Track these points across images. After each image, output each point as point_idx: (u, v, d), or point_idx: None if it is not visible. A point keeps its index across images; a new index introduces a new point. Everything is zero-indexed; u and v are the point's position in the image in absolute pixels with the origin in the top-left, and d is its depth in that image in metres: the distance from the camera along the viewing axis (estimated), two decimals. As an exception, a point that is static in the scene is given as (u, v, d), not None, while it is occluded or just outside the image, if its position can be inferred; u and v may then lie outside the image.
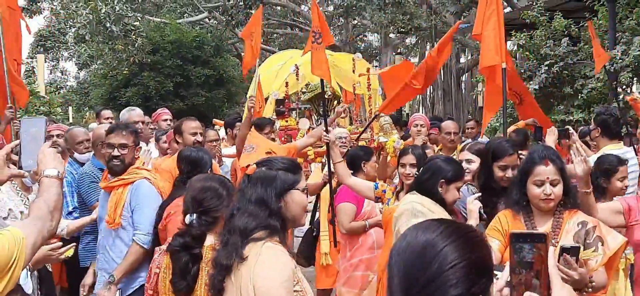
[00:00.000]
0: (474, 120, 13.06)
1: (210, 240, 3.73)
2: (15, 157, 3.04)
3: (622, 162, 5.26)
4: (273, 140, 7.58)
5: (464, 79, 29.36)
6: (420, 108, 32.07)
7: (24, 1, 25.77)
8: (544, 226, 3.84)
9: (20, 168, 3.00)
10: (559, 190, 3.81)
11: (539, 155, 3.94)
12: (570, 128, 5.96)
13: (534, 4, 12.74)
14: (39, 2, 26.53)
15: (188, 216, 3.79)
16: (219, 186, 3.92)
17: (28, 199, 4.60)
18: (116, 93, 22.29)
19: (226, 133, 9.53)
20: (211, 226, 3.77)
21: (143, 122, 6.95)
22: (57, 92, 32.44)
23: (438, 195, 4.34)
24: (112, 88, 22.75)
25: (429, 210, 4.24)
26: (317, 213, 7.01)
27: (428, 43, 28.05)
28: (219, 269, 2.96)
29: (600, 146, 6.40)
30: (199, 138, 6.29)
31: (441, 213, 4.27)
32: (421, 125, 7.57)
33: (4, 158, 2.91)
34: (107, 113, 8.73)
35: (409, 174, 5.22)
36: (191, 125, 6.34)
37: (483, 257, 1.71)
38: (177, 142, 6.27)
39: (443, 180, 4.34)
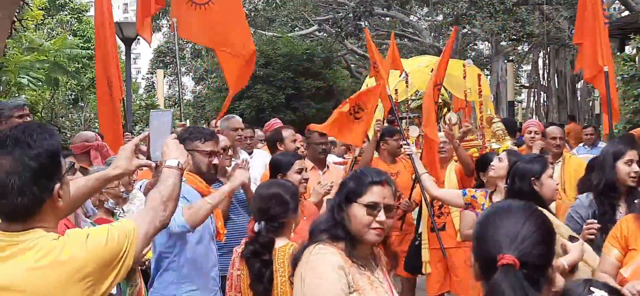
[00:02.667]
0: (592, 126, 12.72)
1: (281, 242, 3.90)
2: (144, 148, 3.09)
3: None
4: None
5: (579, 86, 28.47)
6: (534, 116, 31.30)
7: (166, 19, 26.94)
8: None
9: (148, 159, 3.07)
10: None
11: None
12: None
13: (654, 5, 12.30)
14: (158, 20, 27.65)
15: (256, 224, 3.99)
16: (283, 192, 4.04)
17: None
18: (230, 106, 22.82)
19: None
20: (279, 231, 3.94)
21: (242, 129, 7.14)
22: (175, 105, 33.72)
23: (536, 195, 4.20)
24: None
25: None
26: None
27: (541, 50, 27.38)
28: (290, 263, 3.10)
29: None
30: (298, 144, 6.59)
31: (557, 222, 4.10)
32: (535, 132, 7.46)
33: (132, 149, 2.96)
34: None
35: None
36: (290, 132, 6.78)
37: None
38: (278, 149, 6.55)
39: (533, 178, 4.27)
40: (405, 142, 6.55)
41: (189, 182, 4.52)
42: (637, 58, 13.29)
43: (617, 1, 20.94)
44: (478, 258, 2.15)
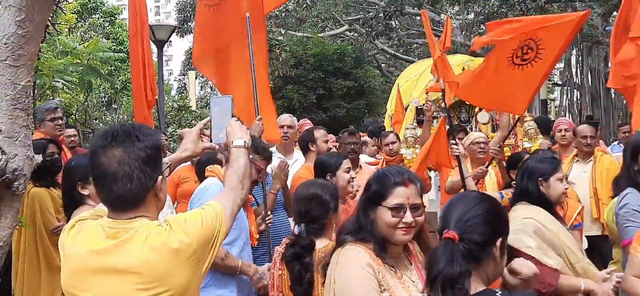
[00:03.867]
0: (629, 124, 12.52)
1: (322, 242, 3.87)
2: (207, 132, 3.33)
3: None
4: None
5: (613, 83, 28.05)
6: (567, 114, 30.96)
7: (176, 21, 27.10)
8: None
9: (211, 141, 3.26)
10: None
11: None
12: None
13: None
14: (189, 22, 27.82)
15: (296, 227, 4.00)
16: (322, 193, 4.01)
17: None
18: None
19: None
20: (319, 232, 3.92)
21: (290, 127, 7.18)
22: (207, 107, 33.95)
23: (542, 196, 4.19)
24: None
25: (543, 225, 4.07)
26: None
27: (574, 47, 27.06)
28: (322, 265, 3.10)
29: None
30: (330, 145, 6.57)
31: (558, 228, 4.14)
32: (565, 130, 7.39)
33: (197, 132, 3.17)
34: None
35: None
36: (322, 133, 6.74)
37: None
38: (311, 150, 6.54)
39: (541, 178, 4.24)
40: (453, 142, 6.40)
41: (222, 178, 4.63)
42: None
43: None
44: (438, 232, 2.55)
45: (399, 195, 2.91)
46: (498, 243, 2.50)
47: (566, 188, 4.26)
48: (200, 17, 6.71)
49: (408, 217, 2.89)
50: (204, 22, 6.62)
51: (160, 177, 2.56)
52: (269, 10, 7.15)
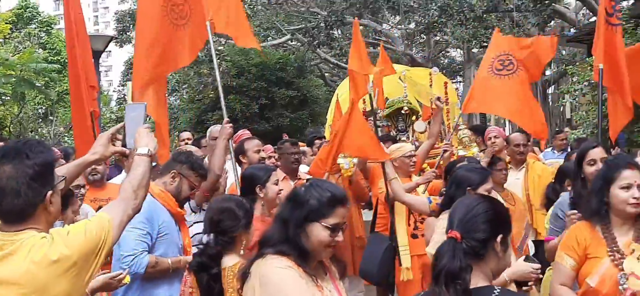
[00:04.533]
0: (564, 132, 12.90)
1: (231, 260, 3.82)
2: (120, 137, 3.38)
3: None
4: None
5: (550, 91, 28.73)
6: (507, 121, 31.54)
7: (114, 31, 26.78)
8: (625, 238, 3.71)
9: (124, 146, 3.35)
10: None
11: (623, 160, 3.90)
12: None
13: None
14: (128, 32, 27.49)
15: (205, 236, 3.94)
16: (236, 207, 3.99)
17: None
18: (204, 117, 22.80)
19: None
20: (228, 246, 3.88)
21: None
22: (148, 118, 33.52)
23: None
24: (199, 112, 23.31)
25: None
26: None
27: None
28: (238, 276, 3.06)
29: None
30: (263, 154, 6.47)
31: None
32: (495, 137, 7.53)
33: (108, 137, 3.28)
34: (184, 134, 9.02)
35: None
36: (254, 143, 6.56)
37: None
38: (242, 162, 6.42)
39: (469, 188, 4.31)
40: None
41: (161, 200, 4.58)
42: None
43: (584, 8, 21.17)
44: (446, 232, 2.78)
45: (339, 214, 2.92)
46: (498, 239, 2.72)
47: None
48: (163, 36, 6.15)
49: (340, 236, 2.91)
50: (167, 40, 6.14)
51: (50, 192, 2.66)
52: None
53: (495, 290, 2.66)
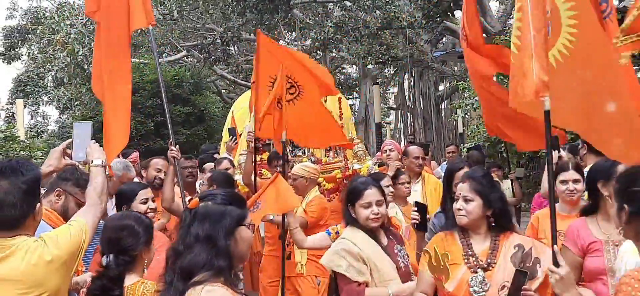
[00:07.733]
0: (454, 144, 13.35)
1: (131, 279, 3.68)
2: (69, 151, 3.96)
3: None
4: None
5: (443, 106, 29.58)
6: (401, 136, 32.23)
7: (2, 47, 25.79)
8: (481, 248, 3.88)
9: (71, 159, 3.95)
10: (471, 207, 3.88)
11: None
12: None
13: None
14: (16, 48, 26.51)
15: (105, 257, 3.71)
16: (134, 223, 3.83)
17: None
18: (98, 135, 22.17)
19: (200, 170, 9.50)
20: (129, 265, 3.71)
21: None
22: (38, 136, 32.32)
23: (355, 218, 4.43)
24: (93, 130, 22.70)
25: (354, 244, 4.31)
26: None
27: (405, 72, 28.25)
28: None
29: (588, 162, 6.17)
30: (162, 175, 6.38)
31: (372, 248, 4.35)
32: (390, 150, 7.66)
33: (61, 151, 3.91)
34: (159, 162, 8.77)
35: (573, 190, 5.19)
36: (158, 162, 6.52)
37: None
38: (142, 177, 6.36)
39: (349, 204, 4.44)
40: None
41: (47, 219, 4.39)
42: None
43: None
44: None
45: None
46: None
47: (376, 214, 4.39)
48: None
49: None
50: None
51: (38, 204, 3.15)
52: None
53: None
